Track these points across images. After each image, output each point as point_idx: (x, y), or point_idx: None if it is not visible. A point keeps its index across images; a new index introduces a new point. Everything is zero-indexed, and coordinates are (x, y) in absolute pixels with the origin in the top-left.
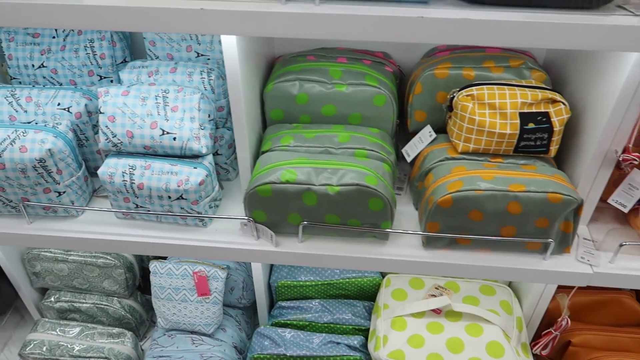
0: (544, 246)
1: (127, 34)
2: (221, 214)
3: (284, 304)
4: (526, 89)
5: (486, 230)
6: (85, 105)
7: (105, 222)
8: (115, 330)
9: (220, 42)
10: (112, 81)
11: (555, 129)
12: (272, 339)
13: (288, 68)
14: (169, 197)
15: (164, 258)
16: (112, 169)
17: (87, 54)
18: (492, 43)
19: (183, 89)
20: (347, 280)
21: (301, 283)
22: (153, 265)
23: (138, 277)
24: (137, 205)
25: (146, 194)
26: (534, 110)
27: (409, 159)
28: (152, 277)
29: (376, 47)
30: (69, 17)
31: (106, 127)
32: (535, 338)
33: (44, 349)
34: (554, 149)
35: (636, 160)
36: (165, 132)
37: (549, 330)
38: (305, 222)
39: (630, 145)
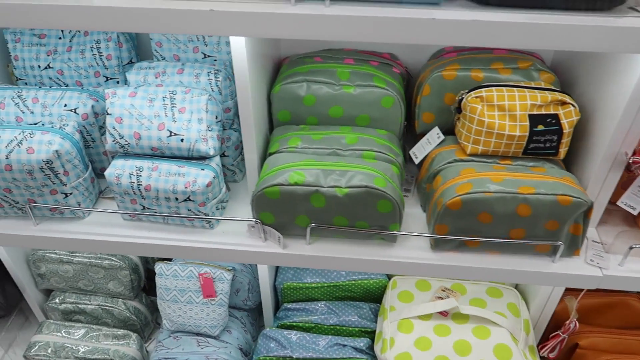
0: (553, 249)
1: (133, 34)
2: (228, 216)
3: (289, 305)
4: (535, 90)
5: (495, 232)
6: (92, 106)
7: (111, 223)
8: (121, 331)
9: (227, 43)
10: (118, 82)
11: (564, 131)
12: (278, 341)
13: (295, 69)
14: (176, 199)
15: (170, 260)
16: (119, 170)
17: (93, 55)
18: (504, 45)
19: (190, 90)
20: (353, 282)
21: (307, 285)
22: (159, 267)
23: (143, 279)
24: (144, 206)
25: (153, 196)
26: (543, 112)
27: (416, 161)
28: (157, 279)
29: (383, 49)
30: (78, 18)
31: (113, 128)
32: (542, 340)
33: (49, 350)
34: (563, 151)
35: None
36: (172, 134)
37: (556, 332)
38: (313, 224)
39: None
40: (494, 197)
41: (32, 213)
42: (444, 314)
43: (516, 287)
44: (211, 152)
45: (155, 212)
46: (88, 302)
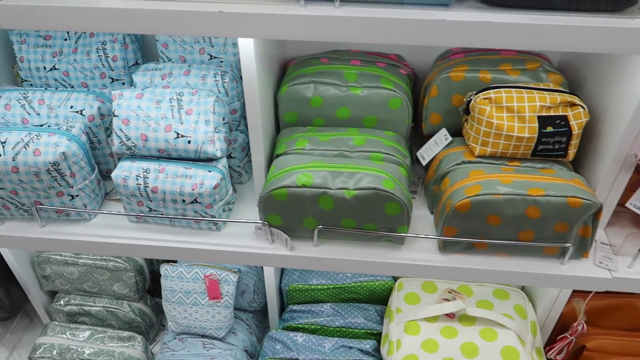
0: (562, 251)
1: (139, 36)
2: (234, 218)
3: (295, 307)
4: (544, 92)
5: (504, 234)
6: (98, 108)
7: (118, 225)
8: (126, 333)
9: (233, 44)
10: (124, 84)
11: (573, 133)
12: (284, 343)
13: (302, 71)
14: (183, 201)
15: (175, 261)
16: (125, 172)
17: (99, 56)
18: (515, 46)
19: (197, 92)
20: (359, 283)
21: (313, 287)
22: (164, 269)
23: (148, 281)
24: (150, 208)
25: (160, 198)
26: (552, 113)
27: (424, 162)
28: (163, 281)
29: (390, 50)
30: (85, 20)
31: (120, 130)
32: (549, 342)
33: (54, 352)
34: (572, 152)
35: None
36: (179, 135)
37: (564, 335)
38: (321, 226)
39: None
40: (503, 199)
41: (38, 215)
42: (450, 316)
43: (522, 288)
44: (218, 154)
45: (162, 214)
46: (93, 304)
